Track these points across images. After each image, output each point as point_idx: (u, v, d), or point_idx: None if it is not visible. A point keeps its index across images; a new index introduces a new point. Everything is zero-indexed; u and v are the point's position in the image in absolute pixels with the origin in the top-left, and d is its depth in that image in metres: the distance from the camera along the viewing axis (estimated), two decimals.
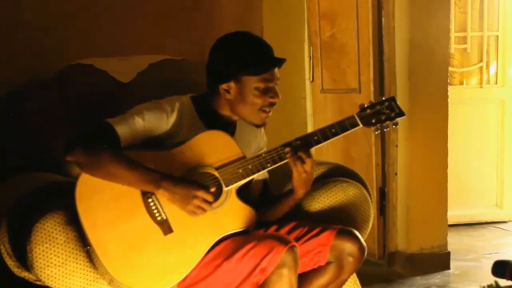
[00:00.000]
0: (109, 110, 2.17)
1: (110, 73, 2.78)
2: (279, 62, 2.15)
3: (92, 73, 2.78)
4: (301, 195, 2.18)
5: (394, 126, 2.19)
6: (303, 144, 2.10)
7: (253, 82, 2.10)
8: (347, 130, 2.12)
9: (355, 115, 2.14)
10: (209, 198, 2.00)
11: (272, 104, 2.14)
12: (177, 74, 2.87)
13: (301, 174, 2.10)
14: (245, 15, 3.62)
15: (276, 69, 2.14)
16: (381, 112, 2.15)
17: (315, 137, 2.11)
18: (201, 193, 1.98)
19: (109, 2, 3.32)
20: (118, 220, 2.00)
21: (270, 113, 2.16)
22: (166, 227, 2.02)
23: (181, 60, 2.98)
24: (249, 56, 2.11)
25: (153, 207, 2.02)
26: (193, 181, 2.02)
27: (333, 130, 2.11)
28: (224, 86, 2.13)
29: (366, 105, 2.16)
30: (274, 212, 2.26)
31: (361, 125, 2.13)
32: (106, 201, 2.01)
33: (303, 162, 2.08)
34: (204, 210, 1.99)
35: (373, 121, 2.15)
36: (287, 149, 2.09)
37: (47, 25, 3.15)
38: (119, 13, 3.31)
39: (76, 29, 3.21)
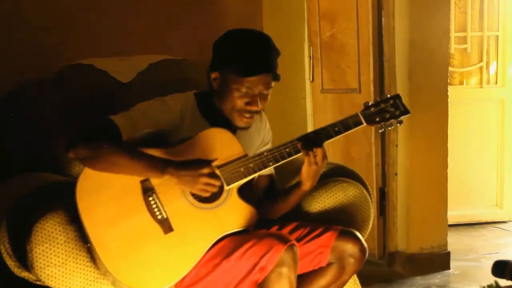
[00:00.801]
0: (109, 110, 2.17)
1: (110, 73, 2.78)
2: (266, 71, 2.06)
3: (92, 73, 2.78)
4: (308, 187, 2.16)
5: (398, 125, 2.16)
6: (303, 144, 2.09)
7: (234, 82, 2.06)
8: (351, 128, 2.10)
9: (359, 113, 2.11)
10: (214, 171, 2.00)
11: (251, 112, 2.10)
12: (177, 74, 2.86)
13: (311, 165, 2.09)
14: (245, 15, 3.62)
15: (267, 79, 2.07)
16: (385, 110, 2.12)
17: (319, 134, 2.10)
18: (206, 170, 1.99)
19: (109, 2, 3.32)
20: (118, 218, 2.01)
21: (251, 119, 2.12)
22: (166, 225, 2.02)
23: (181, 60, 2.98)
24: (238, 54, 2.06)
25: (154, 206, 2.02)
26: (196, 161, 2.02)
27: (336, 129, 2.09)
28: (212, 75, 2.12)
29: (370, 103, 2.13)
30: (280, 207, 2.25)
31: (365, 124, 2.11)
32: (107, 199, 2.01)
33: (314, 153, 2.07)
34: (214, 186, 2.00)
35: (377, 119, 2.12)
36: (299, 142, 2.07)
37: (47, 25, 3.15)
38: (119, 13, 3.31)
39: (76, 29, 3.22)
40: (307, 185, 2.16)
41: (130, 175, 2.00)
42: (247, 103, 2.07)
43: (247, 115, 2.10)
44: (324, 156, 2.09)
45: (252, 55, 2.07)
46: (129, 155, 1.99)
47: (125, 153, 1.99)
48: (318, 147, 2.07)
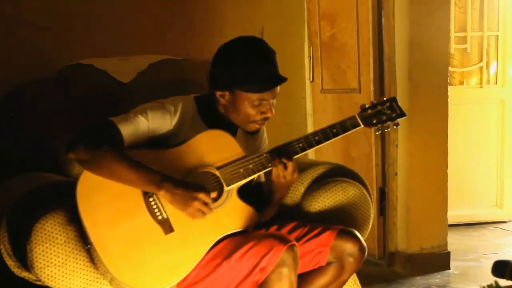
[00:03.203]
0: (109, 110, 2.17)
1: (110, 73, 2.78)
2: (278, 83, 2.11)
3: (92, 73, 2.78)
4: (277, 198, 2.20)
5: (395, 127, 2.19)
6: (305, 144, 2.10)
7: (246, 98, 2.09)
8: (348, 130, 2.13)
9: (356, 116, 2.14)
10: (209, 200, 2.00)
11: (264, 119, 2.13)
12: (177, 74, 2.87)
13: (280, 179, 2.10)
14: (245, 15, 3.62)
15: (278, 87, 2.11)
16: (382, 113, 2.15)
17: (316, 137, 2.12)
18: (201, 196, 1.98)
19: (109, 2, 3.32)
20: (119, 219, 2.00)
21: (263, 124, 2.17)
22: (167, 226, 2.02)
23: (181, 60, 2.98)
24: (247, 74, 2.08)
25: (154, 206, 2.02)
26: (194, 184, 2.02)
27: (334, 130, 2.12)
28: (219, 93, 2.13)
29: (367, 106, 2.16)
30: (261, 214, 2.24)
31: (362, 126, 2.14)
32: (107, 199, 2.01)
33: (285, 167, 2.08)
34: (204, 213, 2.00)
35: (374, 121, 2.15)
36: (269, 155, 2.09)
37: (47, 25, 3.15)
38: (119, 13, 3.31)
39: (76, 29, 3.22)
40: (277, 196, 2.19)
41: (127, 185, 1.99)
42: (262, 112, 2.11)
43: (260, 122, 2.14)
44: (293, 172, 2.10)
45: (263, 72, 2.09)
46: (128, 166, 1.97)
47: (124, 163, 1.97)
48: (289, 160, 2.08)
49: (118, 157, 1.98)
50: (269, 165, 2.10)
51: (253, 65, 2.09)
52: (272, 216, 2.26)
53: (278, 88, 2.13)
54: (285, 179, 2.10)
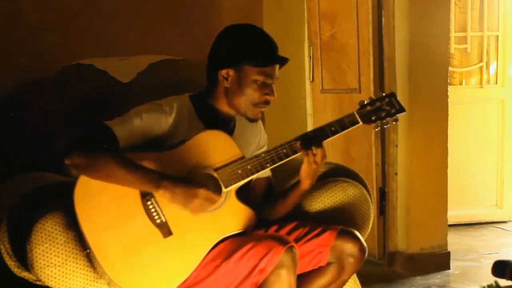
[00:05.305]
0: (109, 110, 2.17)
1: (110, 73, 2.78)
2: (283, 60, 2.14)
3: (92, 73, 2.78)
4: (307, 186, 2.16)
5: (394, 123, 2.17)
6: (302, 144, 2.09)
7: (252, 74, 2.09)
8: (347, 128, 2.11)
9: (355, 113, 2.12)
10: (211, 195, 1.99)
11: (267, 102, 2.13)
12: (177, 74, 2.86)
13: (311, 165, 2.09)
14: (245, 15, 3.61)
15: (277, 68, 2.13)
16: (381, 109, 2.13)
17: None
18: (202, 191, 1.97)
19: (109, 2, 3.31)
20: (117, 223, 1.99)
21: (264, 109, 2.17)
22: (165, 229, 2.01)
23: (181, 60, 2.98)
24: (255, 46, 2.11)
25: (152, 210, 2.01)
26: (193, 181, 2.01)
27: (333, 129, 2.10)
28: (223, 72, 2.12)
29: (366, 102, 2.14)
30: (279, 208, 2.25)
31: (361, 123, 2.12)
32: (105, 204, 2.00)
33: (314, 152, 2.07)
34: (205, 208, 1.99)
35: (373, 118, 2.13)
36: (298, 142, 2.08)
37: (47, 25, 3.15)
38: (119, 13, 3.31)
39: (76, 29, 3.21)
40: (306, 184, 2.16)
41: (125, 186, 1.99)
42: (266, 93, 2.11)
43: (264, 106, 2.14)
44: (324, 156, 2.09)
45: (267, 45, 2.13)
46: (125, 167, 1.96)
47: (121, 165, 1.96)
48: (318, 147, 2.07)
49: (114, 158, 1.97)
50: (268, 165, 2.09)
51: (260, 39, 2.12)
52: (296, 204, 2.26)
53: (278, 73, 2.13)
54: (316, 164, 2.09)
